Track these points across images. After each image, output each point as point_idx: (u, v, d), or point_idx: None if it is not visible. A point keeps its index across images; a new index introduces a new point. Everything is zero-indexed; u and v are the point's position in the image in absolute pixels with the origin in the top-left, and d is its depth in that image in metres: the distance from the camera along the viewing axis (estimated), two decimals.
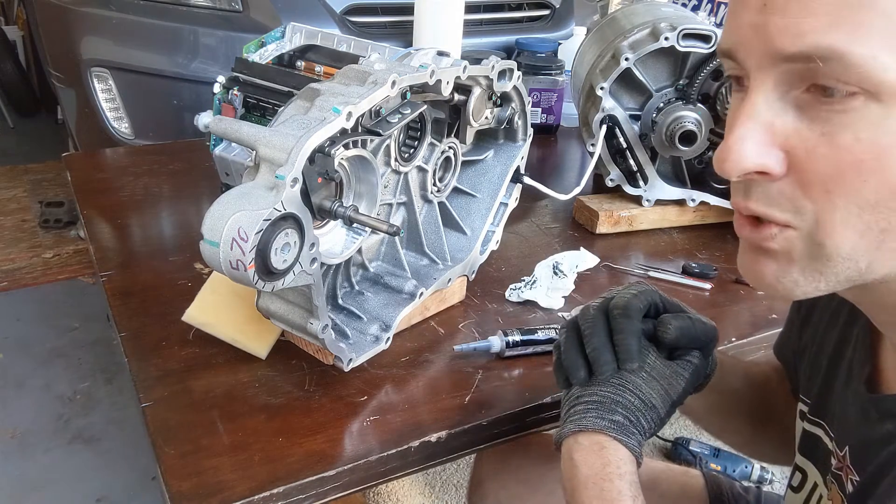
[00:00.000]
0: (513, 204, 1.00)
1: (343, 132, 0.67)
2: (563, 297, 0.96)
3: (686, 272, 1.06)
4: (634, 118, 1.16)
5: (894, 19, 0.37)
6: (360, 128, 0.71)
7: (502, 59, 0.88)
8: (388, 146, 0.80)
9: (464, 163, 0.93)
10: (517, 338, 0.84)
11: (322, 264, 0.69)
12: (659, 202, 1.18)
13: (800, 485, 0.63)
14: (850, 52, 0.38)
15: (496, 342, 0.83)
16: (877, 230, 0.42)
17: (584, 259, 1.04)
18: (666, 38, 1.08)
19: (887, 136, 0.39)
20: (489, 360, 0.83)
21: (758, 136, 0.42)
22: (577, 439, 0.59)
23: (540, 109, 1.59)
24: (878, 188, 0.40)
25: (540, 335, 0.85)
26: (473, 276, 0.96)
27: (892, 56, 0.38)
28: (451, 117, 0.87)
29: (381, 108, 0.73)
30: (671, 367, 0.62)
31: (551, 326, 0.86)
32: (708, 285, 1.02)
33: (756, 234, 0.46)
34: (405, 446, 0.70)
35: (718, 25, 1.26)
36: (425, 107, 0.79)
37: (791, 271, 0.45)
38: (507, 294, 0.96)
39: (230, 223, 0.60)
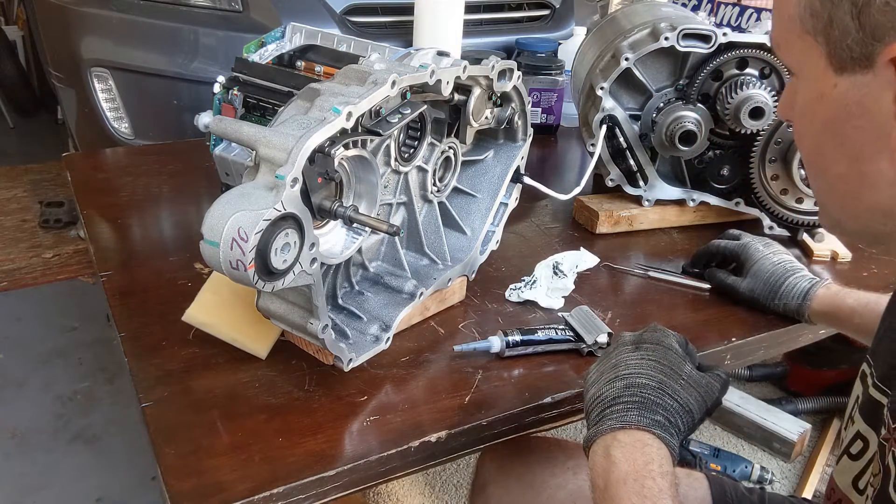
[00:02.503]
0: (513, 204, 1.00)
1: (343, 132, 0.67)
2: (563, 297, 0.96)
3: (686, 272, 1.06)
4: (634, 118, 1.16)
5: (783, 18, 0.51)
6: (360, 128, 0.71)
7: (502, 59, 0.88)
8: (388, 146, 0.80)
9: (464, 163, 0.93)
10: (517, 338, 0.83)
11: (322, 264, 0.69)
12: (659, 202, 1.18)
13: (860, 453, 0.62)
14: (772, 42, 0.55)
15: (496, 342, 0.83)
16: (816, 170, 0.55)
17: (584, 259, 1.04)
18: (666, 38, 1.08)
19: (796, 100, 0.54)
20: (489, 360, 0.83)
21: (784, 98, 0.58)
22: (617, 436, 0.60)
23: (540, 109, 1.59)
24: (798, 139, 0.56)
25: (540, 335, 0.85)
26: (473, 276, 0.96)
27: (786, 45, 0.52)
28: (451, 117, 0.87)
29: (381, 108, 0.73)
30: (705, 378, 0.66)
31: (551, 326, 0.86)
32: (708, 285, 1.02)
33: None
34: (405, 446, 0.70)
35: (718, 26, 1.26)
36: (425, 107, 0.79)
37: None
38: (507, 294, 0.96)
39: (230, 223, 0.60)
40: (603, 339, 0.84)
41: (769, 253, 0.96)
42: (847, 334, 0.91)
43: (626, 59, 1.10)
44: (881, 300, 0.83)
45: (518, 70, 0.89)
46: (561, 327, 0.86)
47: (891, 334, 0.63)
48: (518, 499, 0.86)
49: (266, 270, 0.62)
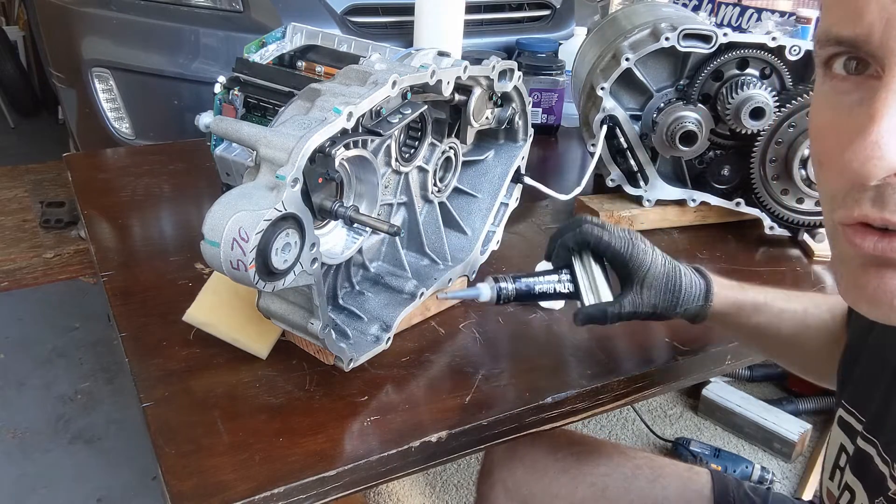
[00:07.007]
0: (513, 204, 1.00)
1: (344, 132, 0.67)
2: None
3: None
4: (635, 118, 1.16)
5: None
6: (360, 128, 0.71)
7: (503, 59, 0.88)
8: (388, 146, 0.80)
9: (464, 163, 0.93)
10: (509, 286, 0.76)
11: (323, 264, 0.69)
12: (659, 202, 1.18)
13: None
14: None
15: (486, 290, 0.76)
16: None
17: None
18: (667, 39, 1.08)
19: None
20: (490, 360, 0.83)
21: None
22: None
23: (540, 109, 1.59)
24: None
25: (538, 288, 0.76)
26: (474, 276, 0.96)
27: None
28: (452, 117, 0.87)
29: (381, 108, 0.73)
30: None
31: (550, 280, 0.77)
32: None
33: (888, 244, 0.39)
34: (405, 446, 0.70)
35: (719, 26, 1.26)
36: (426, 107, 0.79)
37: None
38: None
39: (231, 223, 0.60)
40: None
41: (650, 250, 0.75)
42: (739, 335, 0.84)
43: (627, 60, 1.10)
44: (780, 295, 0.78)
45: (518, 70, 0.89)
46: (563, 279, 0.77)
47: (871, 371, 0.59)
48: (521, 481, 0.88)
49: (267, 270, 0.62)
